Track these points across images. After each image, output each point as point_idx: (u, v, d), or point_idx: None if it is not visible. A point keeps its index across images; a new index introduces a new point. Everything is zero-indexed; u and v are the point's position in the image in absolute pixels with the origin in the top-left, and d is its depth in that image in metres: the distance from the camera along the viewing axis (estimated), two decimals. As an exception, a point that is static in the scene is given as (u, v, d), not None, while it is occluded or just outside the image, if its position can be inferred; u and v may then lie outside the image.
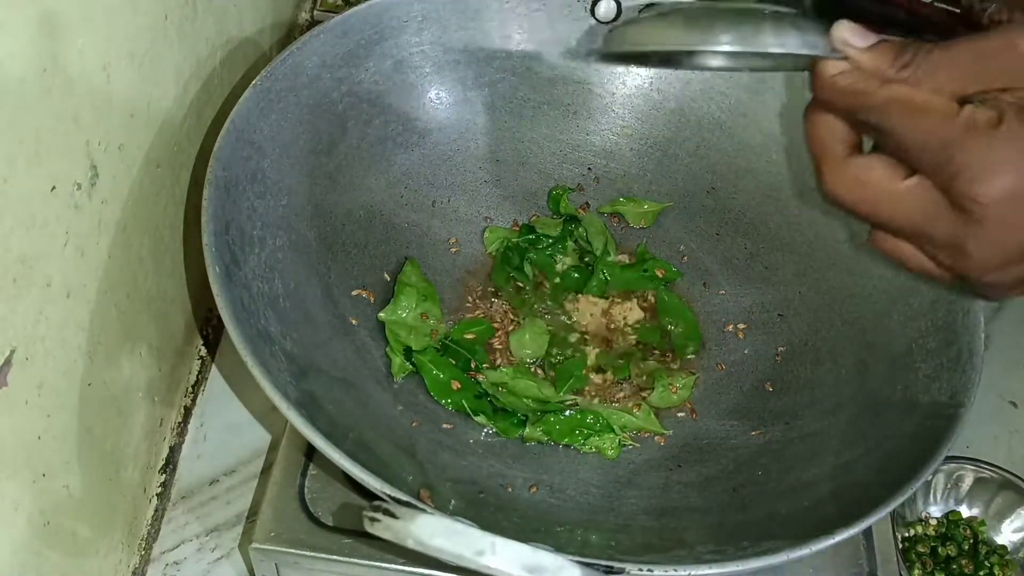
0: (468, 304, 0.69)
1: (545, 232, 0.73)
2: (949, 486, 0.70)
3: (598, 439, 0.61)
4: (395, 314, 0.64)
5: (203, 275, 0.51)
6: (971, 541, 0.69)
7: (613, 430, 0.62)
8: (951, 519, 0.70)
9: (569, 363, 0.66)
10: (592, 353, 0.67)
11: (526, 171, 0.75)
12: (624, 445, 0.62)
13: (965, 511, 0.70)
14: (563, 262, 0.72)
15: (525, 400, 0.63)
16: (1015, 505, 0.69)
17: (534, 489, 0.57)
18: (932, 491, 0.71)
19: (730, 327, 0.69)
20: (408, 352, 0.63)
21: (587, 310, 0.70)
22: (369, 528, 0.41)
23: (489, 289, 0.70)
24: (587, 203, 0.75)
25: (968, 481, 0.70)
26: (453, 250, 0.71)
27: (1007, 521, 0.70)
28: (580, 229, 0.73)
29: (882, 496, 0.49)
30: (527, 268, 0.71)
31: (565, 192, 0.74)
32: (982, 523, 0.70)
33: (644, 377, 0.66)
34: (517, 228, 0.73)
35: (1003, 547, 0.69)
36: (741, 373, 0.67)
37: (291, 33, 0.85)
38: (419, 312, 0.65)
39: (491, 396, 0.63)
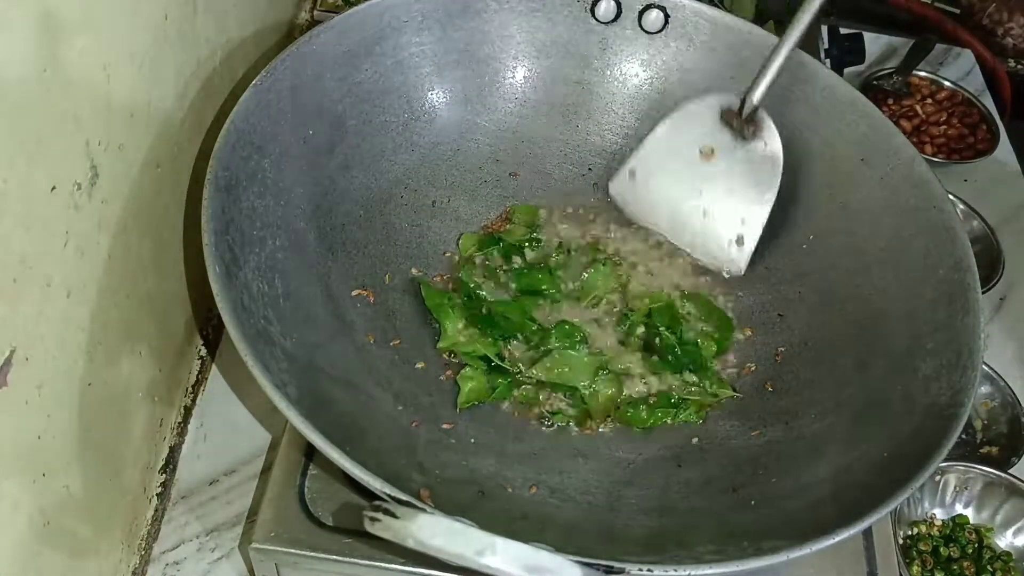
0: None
1: (509, 239, 0.70)
2: (958, 489, 0.70)
3: (680, 412, 0.63)
4: (453, 340, 0.64)
5: (203, 275, 0.51)
6: (975, 545, 0.68)
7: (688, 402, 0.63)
8: (957, 522, 0.69)
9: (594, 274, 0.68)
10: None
11: (526, 171, 0.75)
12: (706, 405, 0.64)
13: (973, 516, 0.70)
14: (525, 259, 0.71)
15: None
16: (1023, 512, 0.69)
17: (534, 489, 0.57)
18: (941, 493, 0.70)
19: (730, 327, 0.69)
20: (487, 360, 0.63)
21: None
22: (369, 528, 0.41)
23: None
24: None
25: (978, 486, 0.70)
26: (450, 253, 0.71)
27: (1015, 528, 0.69)
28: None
29: (882, 496, 0.49)
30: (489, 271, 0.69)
31: None
32: (989, 530, 0.69)
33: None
34: (492, 228, 0.72)
35: (1007, 553, 0.68)
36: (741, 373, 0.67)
37: (291, 33, 0.85)
38: (468, 332, 0.65)
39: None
